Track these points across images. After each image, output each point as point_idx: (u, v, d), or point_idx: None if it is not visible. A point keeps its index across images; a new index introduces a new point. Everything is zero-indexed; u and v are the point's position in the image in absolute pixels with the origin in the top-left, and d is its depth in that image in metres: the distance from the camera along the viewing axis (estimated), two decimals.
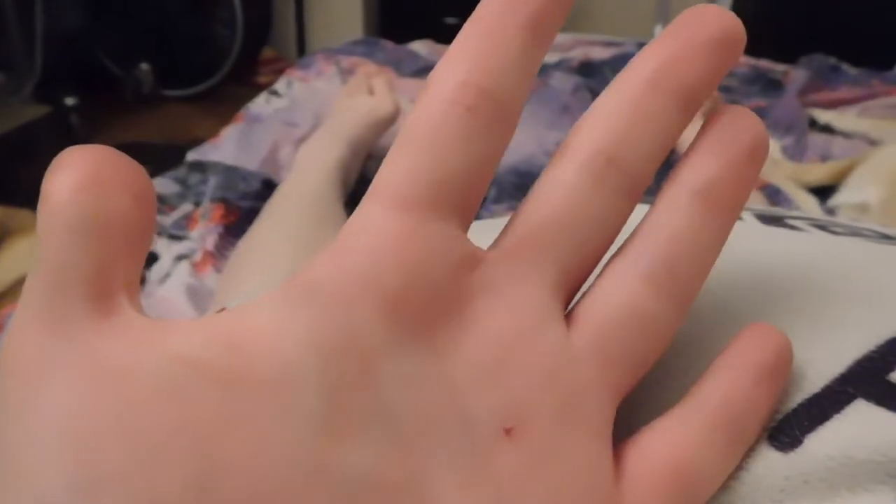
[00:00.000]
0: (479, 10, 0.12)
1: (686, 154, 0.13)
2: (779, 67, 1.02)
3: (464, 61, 0.11)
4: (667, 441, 0.12)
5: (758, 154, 0.13)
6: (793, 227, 0.19)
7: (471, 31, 0.12)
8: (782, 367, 0.13)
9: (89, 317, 0.10)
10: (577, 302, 0.12)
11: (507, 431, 0.11)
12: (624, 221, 0.12)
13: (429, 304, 0.11)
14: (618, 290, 0.12)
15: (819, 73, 0.98)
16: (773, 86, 0.96)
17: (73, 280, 0.10)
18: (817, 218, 0.21)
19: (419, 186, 0.11)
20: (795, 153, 0.79)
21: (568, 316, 0.12)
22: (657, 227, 0.12)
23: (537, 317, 0.12)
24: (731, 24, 0.12)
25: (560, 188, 0.12)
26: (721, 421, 0.12)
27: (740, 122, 0.13)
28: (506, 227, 0.12)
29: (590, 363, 0.12)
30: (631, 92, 0.12)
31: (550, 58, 1.04)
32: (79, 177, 0.10)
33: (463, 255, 0.11)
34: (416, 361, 0.11)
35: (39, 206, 0.10)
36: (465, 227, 0.12)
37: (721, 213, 0.12)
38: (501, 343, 0.11)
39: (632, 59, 0.13)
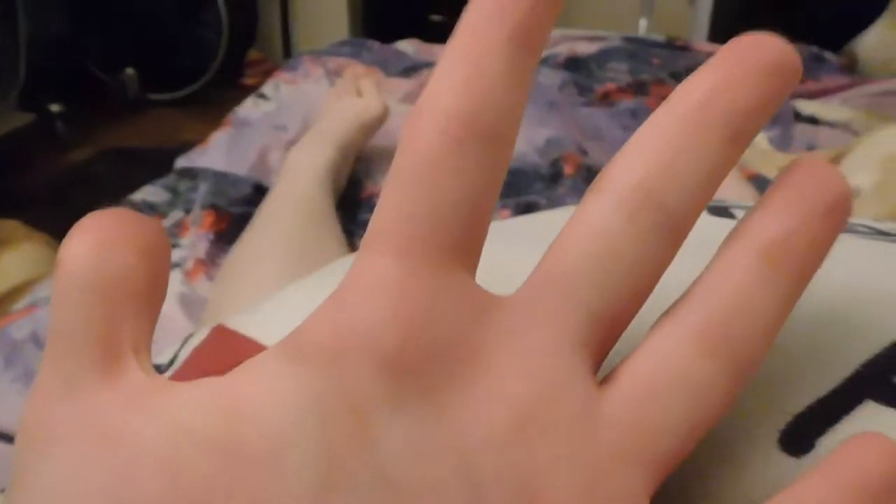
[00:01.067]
0: (460, 26, 0.11)
1: (754, 207, 0.12)
2: None
3: (449, 86, 0.10)
4: None
5: (838, 212, 0.11)
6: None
7: (454, 50, 0.11)
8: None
9: (96, 381, 0.10)
10: (618, 363, 0.11)
11: None
12: (665, 265, 0.11)
13: (434, 361, 0.10)
14: (663, 351, 0.11)
15: (802, 65, 0.98)
16: None
17: (82, 343, 0.10)
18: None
19: (414, 230, 0.10)
20: (781, 144, 0.80)
21: (606, 377, 0.11)
22: (715, 284, 0.11)
23: (559, 373, 0.10)
24: (785, 52, 0.11)
25: (590, 226, 0.11)
26: None
27: (819, 176, 0.11)
28: (536, 267, 0.11)
29: (621, 432, 0.10)
30: (674, 122, 0.11)
31: None
32: (87, 241, 0.10)
33: (471, 303, 0.11)
34: (421, 423, 0.10)
35: (55, 271, 0.10)
36: (472, 268, 0.11)
37: (789, 276, 0.11)
38: (517, 403, 0.10)
39: (677, 87, 0.11)
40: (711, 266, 0.11)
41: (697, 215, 0.11)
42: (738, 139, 0.11)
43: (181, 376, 0.20)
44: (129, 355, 0.10)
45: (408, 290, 0.10)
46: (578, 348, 0.11)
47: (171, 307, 0.57)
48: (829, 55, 1.02)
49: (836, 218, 0.11)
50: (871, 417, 0.12)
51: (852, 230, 0.19)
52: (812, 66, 0.99)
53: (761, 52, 0.11)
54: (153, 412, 0.10)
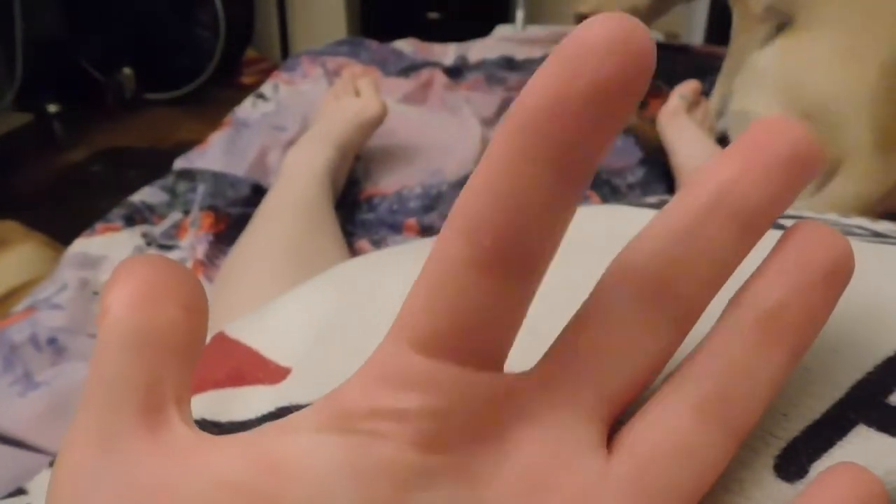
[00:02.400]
0: (494, 143, 0.10)
1: (753, 275, 0.12)
2: None
3: (477, 210, 0.10)
4: None
5: (837, 278, 0.11)
6: (781, 227, 0.18)
7: (487, 173, 0.10)
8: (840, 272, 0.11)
9: (137, 433, 0.10)
10: (624, 427, 0.12)
11: None
12: (673, 351, 0.12)
13: (463, 438, 0.11)
14: (664, 421, 0.11)
15: None
16: None
17: (124, 395, 0.10)
18: (806, 215, 0.21)
19: (440, 335, 0.11)
20: None
21: (612, 441, 0.12)
22: (714, 354, 0.11)
23: (573, 448, 0.11)
24: (803, 141, 0.11)
25: (605, 313, 0.11)
26: None
27: (818, 240, 0.11)
28: (549, 349, 0.12)
29: (630, 498, 0.11)
30: (687, 215, 0.11)
31: (535, 53, 1.04)
32: (133, 291, 0.10)
33: (497, 391, 0.11)
34: (451, 492, 0.11)
35: (98, 319, 0.10)
36: (498, 365, 0.11)
37: (786, 345, 0.11)
38: (536, 475, 0.11)
39: (692, 176, 0.12)
40: (712, 334, 0.12)
41: (707, 304, 0.12)
42: (750, 233, 0.11)
43: None
44: (172, 408, 0.10)
45: (437, 384, 0.11)
46: (590, 425, 0.11)
47: None
48: None
49: (835, 283, 0.11)
50: (862, 444, 0.12)
51: (848, 232, 0.18)
52: None
53: (776, 143, 0.11)
54: (196, 467, 0.10)
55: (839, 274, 0.11)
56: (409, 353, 0.11)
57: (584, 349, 0.11)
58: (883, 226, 0.21)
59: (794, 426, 0.13)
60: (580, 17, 0.75)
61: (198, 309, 0.11)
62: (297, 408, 0.17)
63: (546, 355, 0.12)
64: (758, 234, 0.11)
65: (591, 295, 0.12)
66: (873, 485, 0.11)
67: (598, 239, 0.18)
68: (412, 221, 0.66)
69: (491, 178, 0.10)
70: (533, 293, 0.11)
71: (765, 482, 0.12)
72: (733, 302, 0.12)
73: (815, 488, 0.11)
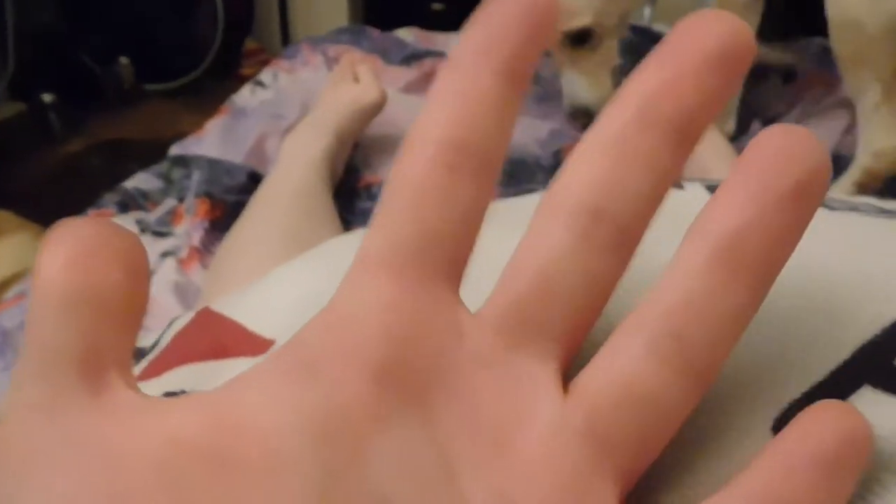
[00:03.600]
0: (453, 58, 0.11)
1: (712, 199, 0.11)
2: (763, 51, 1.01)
3: (442, 115, 0.11)
4: None
5: (809, 193, 0.10)
6: None
7: (447, 82, 0.11)
8: (849, 458, 0.10)
9: (80, 398, 0.09)
10: (580, 372, 0.11)
11: None
12: (619, 276, 0.11)
13: (420, 375, 0.11)
14: (616, 365, 0.11)
15: (812, 58, 0.97)
16: (759, 73, 0.95)
17: (62, 360, 0.09)
18: None
19: (405, 252, 0.11)
20: None
21: (570, 386, 0.11)
22: (667, 290, 0.11)
23: (530, 393, 0.11)
24: (731, 34, 0.10)
25: (544, 250, 0.11)
26: None
27: (787, 147, 0.10)
28: (494, 289, 0.11)
29: (589, 443, 0.11)
30: (615, 131, 0.11)
31: None
32: (69, 252, 0.10)
33: (454, 324, 0.11)
34: (410, 438, 0.10)
35: (31, 283, 0.10)
36: (457, 285, 0.11)
37: (749, 273, 0.10)
38: (495, 423, 0.11)
39: (617, 90, 0.11)
40: (668, 268, 0.11)
41: (648, 221, 0.11)
42: (685, 141, 0.11)
43: (164, 358, 0.19)
44: (114, 371, 0.10)
45: (397, 307, 0.11)
46: (546, 363, 0.11)
47: (165, 295, 0.55)
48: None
49: (805, 203, 0.10)
50: (869, 405, 0.11)
51: (853, 208, 0.18)
52: (822, 59, 0.98)
53: (703, 40, 0.10)
54: (146, 428, 0.10)
55: (810, 192, 0.10)
56: (369, 279, 0.11)
57: (527, 291, 0.11)
58: (892, 204, 0.20)
59: (795, 389, 0.12)
60: (569, 35, 0.73)
61: (139, 272, 0.10)
62: None
63: (493, 296, 0.11)
64: (693, 141, 0.11)
65: (528, 228, 0.11)
66: (857, 422, 0.10)
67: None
68: None
69: (454, 87, 0.11)
70: (487, 198, 0.11)
71: (761, 443, 0.11)
72: (690, 230, 0.11)
73: (795, 424, 0.10)
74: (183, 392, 0.17)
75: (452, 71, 0.11)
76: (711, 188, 0.18)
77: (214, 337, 0.18)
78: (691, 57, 0.10)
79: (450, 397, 0.11)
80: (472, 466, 0.10)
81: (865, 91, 0.60)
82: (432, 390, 0.11)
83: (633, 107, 0.11)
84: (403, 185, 0.11)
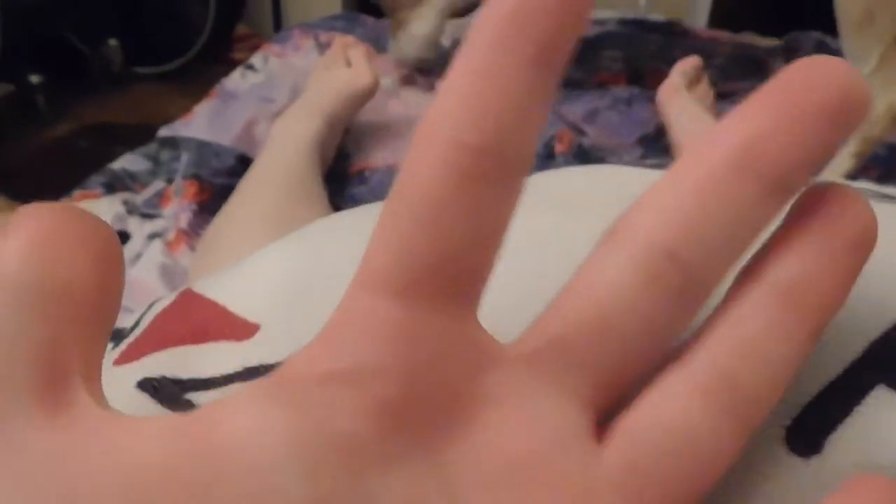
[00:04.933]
0: (471, 40, 0.09)
1: (769, 242, 0.10)
2: (762, 43, 1.00)
3: (458, 111, 0.09)
4: None
5: (862, 249, 0.10)
6: None
7: (465, 70, 0.09)
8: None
9: (35, 413, 0.08)
10: (621, 414, 0.10)
11: None
12: (680, 329, 0.10)
13: (430, 412, 0.09)
14: (666, 405, 0.10)
15: (806, 52, 0.97)
16: (755, 67, 0.95)
17: (17, 367, 0.08)
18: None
19: (414, 270, 0.09)
20: None
21: (605, 428, 0.10)
22: (723, 332, 0.10)
23: (559, 435, 0.10)
24: (848, 86, 0.10)
25: (604, 283, 0.10)
26: None
27: (844, 207, 0.10)
28: (536, 321, 0.10)
29: (621, 491, 0.10)
30: (705, 172, 0.10)
31: None
32: (29, 239, 0.08)
33: (474, 353, 0.10)
34: (414, 477, 0.09)
35: None
36: (475, 309, 0.10)
37: (807, 323, 0.10)
38: (515, 464, 0.10)
39: (713, 128, 0.10)
40: (723, 307, 0.10)
41: (722, 277, 0.10)
42: (780, 195, 0.10)
43: (144, 340, 0.18)
44: (77, 379, 0.09)
45: (409, 335, 0.09)
46: (581, 410, 0.10)
47: (152, 278, 0.55)
48: (832, 41, 1.01)
49: (860, 255, 0.10)
50: (884, 407, 0.11)
51: None
52: (819, 52, 0.98)
53: (816, 89, 0.10)
54: (113, 451, 0.08)
55: (864, 245, 0.10)
56: (373, 298, 0.09)
57: (576, 323, 0.10)
58: (889, 189, 0.20)
59: (808, 388, 0.11)
60: None
61: (111, 262, 0.09)
62: (267, 368, 0.15)
63: (533, 326, 0.10)
64: (788, 197, 0.10)
65: (587, 261, 0.10)
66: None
67: (599, 197, 0.16)
68: None
69: (474, 77, 0.09)
70: (512, 207, 0.10)
71: (777, 456, 0.11)
72: (746, 273, 0.10)
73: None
74: (163, 377, 0.16)
75: (470, 55, 0.09)
76: None
77: (196, 319, 0.18)
78: (804, 104, 0.10)
79: (466, 431, 0.10)
80: None
81: (866, 58, 0.60)
82: (445, 425, 0.10)
83: (729, 148, 0.10)
84: (413, 193, 0.09)
